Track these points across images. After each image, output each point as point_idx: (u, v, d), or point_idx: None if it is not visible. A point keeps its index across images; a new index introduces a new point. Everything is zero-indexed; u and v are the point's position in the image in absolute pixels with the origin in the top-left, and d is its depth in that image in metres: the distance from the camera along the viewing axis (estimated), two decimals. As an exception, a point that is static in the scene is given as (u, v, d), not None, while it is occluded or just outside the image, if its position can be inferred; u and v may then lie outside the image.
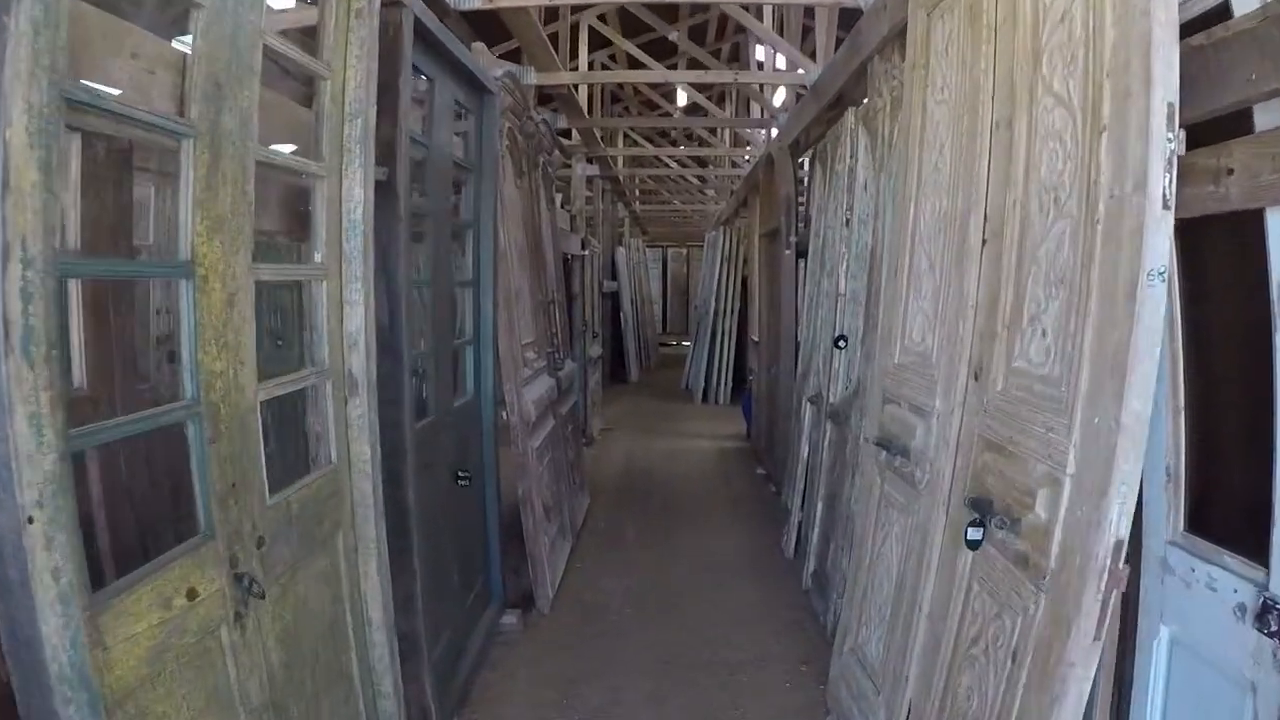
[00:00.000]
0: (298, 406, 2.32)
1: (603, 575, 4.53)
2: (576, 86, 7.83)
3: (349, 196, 2.22)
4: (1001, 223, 1.98)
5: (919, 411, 2.33)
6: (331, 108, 2.21)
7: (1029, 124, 1.91)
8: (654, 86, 11.61)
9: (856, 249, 3.75)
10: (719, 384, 10.89)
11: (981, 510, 1.83)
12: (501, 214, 3.84)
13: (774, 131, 7.88)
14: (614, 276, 12.85)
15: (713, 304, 10.84)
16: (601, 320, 11.01)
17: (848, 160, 3.94)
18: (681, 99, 12.79)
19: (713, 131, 12.76)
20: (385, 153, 2.50)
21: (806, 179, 6.45)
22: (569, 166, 9.03)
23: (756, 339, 7.53)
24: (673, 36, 8.28)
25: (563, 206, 8.67)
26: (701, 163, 13.94)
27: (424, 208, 3.01)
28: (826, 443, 4.04)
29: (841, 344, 3.78)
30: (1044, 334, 1.74)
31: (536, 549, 3.98)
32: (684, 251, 22.92)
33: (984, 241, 2.08)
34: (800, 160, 6.47)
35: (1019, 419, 1.78)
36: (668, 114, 11.96)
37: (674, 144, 14.04)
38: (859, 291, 3.67)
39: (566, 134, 9.20)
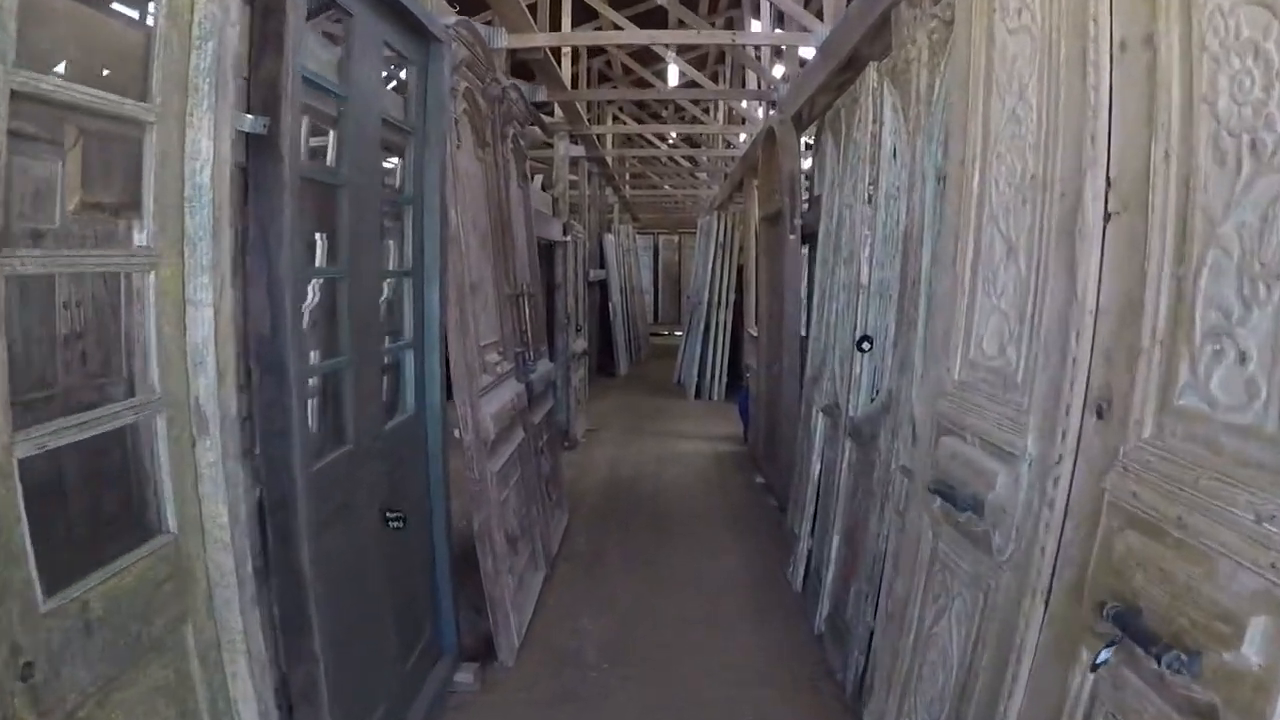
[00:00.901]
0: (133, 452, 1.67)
1: (579, 613, 3.89)
2: (558, 55, 7.15)
3: (193, 152, 1.56)
4: (1142, 186, 1.33)
5: (999, 453, 1.68)
6: (169, 29, 1.55)
7: (1186, 37, 1.26)
8: (644, 64, 10.91)
9: (884, 231, 3.10)
10: (713, 379, 10.26)
11: (1130, 629, 1.19)
12: (455, 189, 3.17)
13: (771, 112, 7.22)
14: (602, 265, 12.19)
15: (706, 294, 10.19)
16: (587, 312, 10.35)
17: (870, 125, 3.29)
18: (674, 77, 12.11)
19: (706, 110, 12.08)
20: (267, 97, 1.85)
21: (814, 153, 5.78)
22: (550, 145, 8.34)
23: (755, 333, 6.89)
24: (663, 0, 7.58)
25: (544, 189, 8.00)
26: (693, 143, 13.27)
27: (339, 176, 2.34)
28: (845, 463, 3.40)
29: (865, 346, 3.14)
30: (1241, 359, 1.10)
31: (497, 590, 3.34)
32: (676, 239, 22.24)
33: (1107, 215, 1.43)
34: (803, 134, 5.82)
35: (1195, 490, 1.14)
36: (658, 91, 11.26)
37: (664, 123, 13.35)
38: (888, 282, 3.02)
39: (548, 110, 8.53)
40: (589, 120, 8.91)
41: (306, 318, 2.29)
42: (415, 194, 2.89)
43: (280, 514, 1.87)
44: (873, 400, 3.14)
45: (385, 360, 2.81)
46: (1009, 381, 1.70)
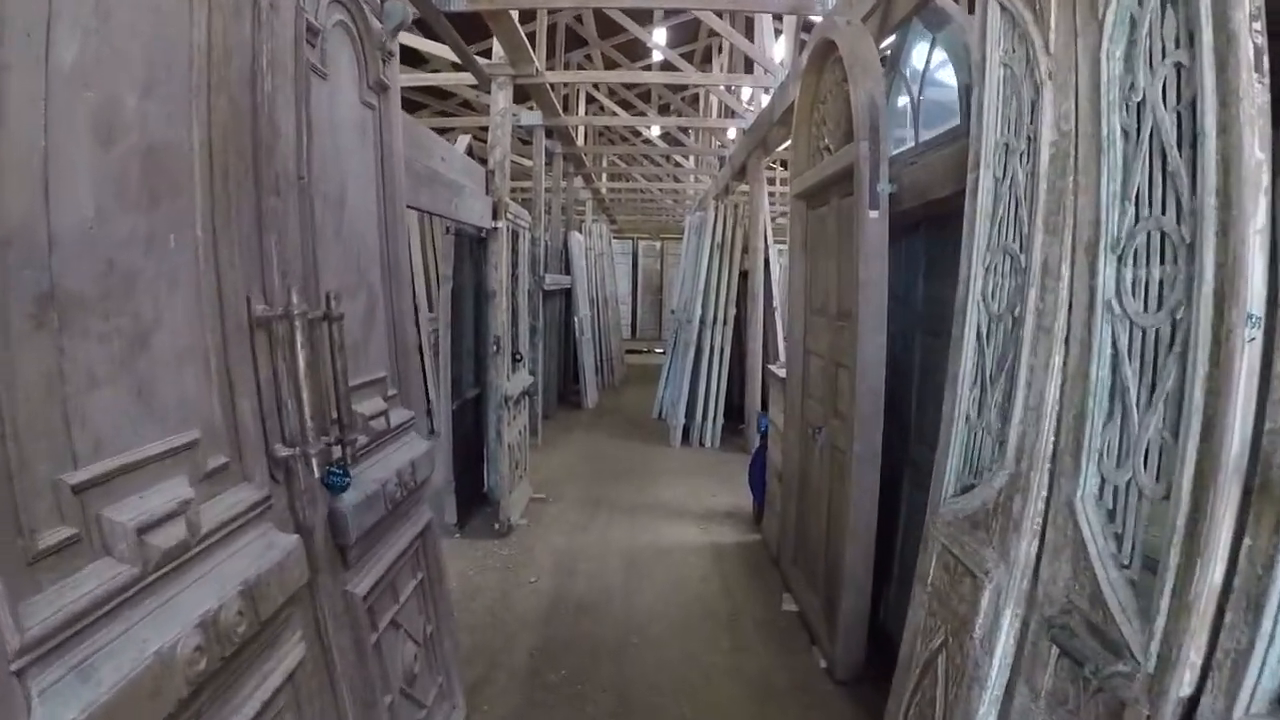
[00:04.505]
0: None
1: None
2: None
3: None
4: None
5: None
6: None
7: None
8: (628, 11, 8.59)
9: None
10: (705, 420, 7.95)
11: None
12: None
13: (780, 78, 5.02)
14: (567, 269, 9.89)
15: (699, 309, 7.88)
16: (545, 329, 8.05)
17: None
18: (658, 52, 9.90)
19: (706, 53, 9.82)
20: None
21: (892, 72, 3.52)
22: (482, 106, 6.04)
23: (780, 372, 4.59)
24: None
25: (470, 153, 5.71)
26: (681, 110, 10.98)
27: None
28: None
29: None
30: None
31: None
32: (658, 245, 20.04)
33: None
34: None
35: None
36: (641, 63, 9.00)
37: (646, 92, 11.11)
38: None
39: (485, 49, 6.29)
40: (547, 73, 6.61)
41: None
42: None
43: None
44: None
45: None
46: None
